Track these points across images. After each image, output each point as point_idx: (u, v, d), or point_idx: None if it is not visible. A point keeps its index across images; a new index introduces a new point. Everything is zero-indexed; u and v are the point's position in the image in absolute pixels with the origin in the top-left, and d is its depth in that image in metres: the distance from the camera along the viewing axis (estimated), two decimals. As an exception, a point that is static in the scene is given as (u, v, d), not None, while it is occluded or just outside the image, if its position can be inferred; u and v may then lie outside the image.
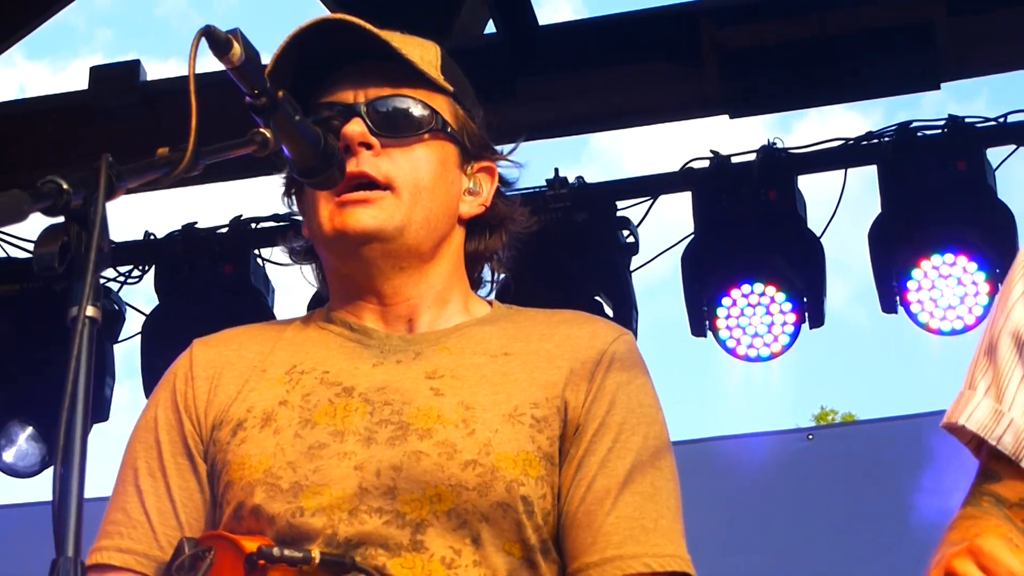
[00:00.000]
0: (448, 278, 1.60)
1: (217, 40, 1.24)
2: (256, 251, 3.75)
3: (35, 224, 1.14)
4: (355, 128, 1.51)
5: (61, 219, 1.11)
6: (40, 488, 3.79)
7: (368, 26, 1.52)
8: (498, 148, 1.67)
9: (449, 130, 1.58)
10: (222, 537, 1.42)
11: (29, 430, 3.55)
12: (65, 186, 1.10)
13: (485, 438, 1.45)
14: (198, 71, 1.26)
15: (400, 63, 1.54)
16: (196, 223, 3.80)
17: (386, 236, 1.51)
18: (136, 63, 3.80)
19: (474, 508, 1.42)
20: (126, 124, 3.66)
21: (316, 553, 1.38)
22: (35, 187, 1.10)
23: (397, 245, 1.52)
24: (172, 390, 1.56)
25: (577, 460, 1.49)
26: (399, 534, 1.41)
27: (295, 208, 1.65)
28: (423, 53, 1.58)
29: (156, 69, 3.79)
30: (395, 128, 1.54)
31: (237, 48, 1.25)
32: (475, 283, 1.66)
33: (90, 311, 1.06)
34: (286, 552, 1.37)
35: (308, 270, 1.68)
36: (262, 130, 1.34)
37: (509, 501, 1.43)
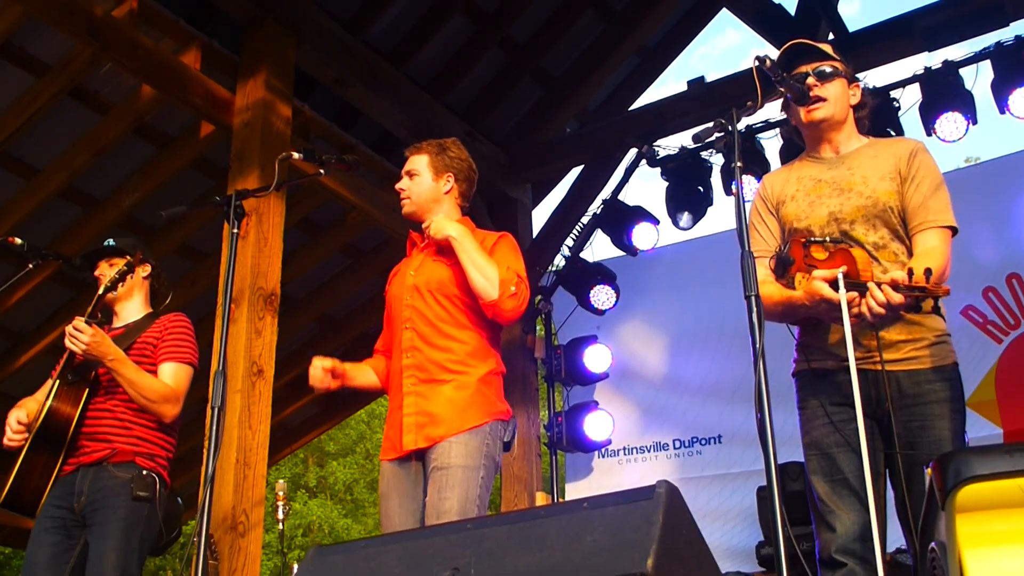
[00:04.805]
0: (849, 127, 3.42)
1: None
2: (758, 136, 7.08)
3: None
4: (810, 80, 3.34)
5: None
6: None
7: (811, 42, 3.42)
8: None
9: (842, 73, 3.40)
10: (793, 241, 3.08)
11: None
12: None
13: (872, 187, 3.23)
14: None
15: (822, 54, 3.42)
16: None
17: (827, 119, 3.35)
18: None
19: (871, 215, 3.20)
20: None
21: (826, 238, 3.05)
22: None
23: (831, 122, 3.36)
24: (761, 194, 3.49)
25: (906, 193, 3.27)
26: (849, 230, 3.21)
27: (786, 115, 3.50)
28: (830, 51, 3.44)
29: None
30: (824, 77, 3.37)
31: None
32: (860, 127, 3.47)
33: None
34: (815, 238, 3.05)
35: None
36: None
37: (884, 210, 3.19)
